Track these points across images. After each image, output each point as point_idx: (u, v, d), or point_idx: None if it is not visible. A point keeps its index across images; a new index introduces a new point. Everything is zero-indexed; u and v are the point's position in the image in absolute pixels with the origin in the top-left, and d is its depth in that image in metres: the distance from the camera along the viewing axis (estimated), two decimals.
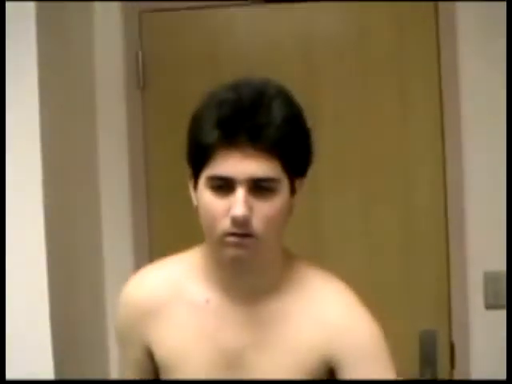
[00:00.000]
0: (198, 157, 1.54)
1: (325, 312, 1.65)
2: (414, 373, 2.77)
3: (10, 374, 1.87)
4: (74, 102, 2.59)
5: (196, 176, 1.56)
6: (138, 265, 1.83)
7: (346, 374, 1.63)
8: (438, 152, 2.82)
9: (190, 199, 1.63)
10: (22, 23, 2.08)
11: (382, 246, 2.83)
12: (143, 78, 2.90)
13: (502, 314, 2.72)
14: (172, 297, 1.69)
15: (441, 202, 2.82)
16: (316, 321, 1.64)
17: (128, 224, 2.87)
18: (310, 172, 1.63)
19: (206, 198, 1.53)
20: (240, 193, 1.49)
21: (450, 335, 2.84)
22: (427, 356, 2.82)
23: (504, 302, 2.72)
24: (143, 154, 2.91)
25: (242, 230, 1.50)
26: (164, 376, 1.74)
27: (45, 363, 1.98)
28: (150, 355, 1.73)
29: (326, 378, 1.69)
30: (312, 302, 1.66)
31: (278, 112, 1.51)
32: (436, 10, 2.83)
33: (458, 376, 2.83)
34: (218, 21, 2.92)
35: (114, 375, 2.37)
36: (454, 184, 2.78)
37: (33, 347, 1.98)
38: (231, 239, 1.52)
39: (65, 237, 2.33)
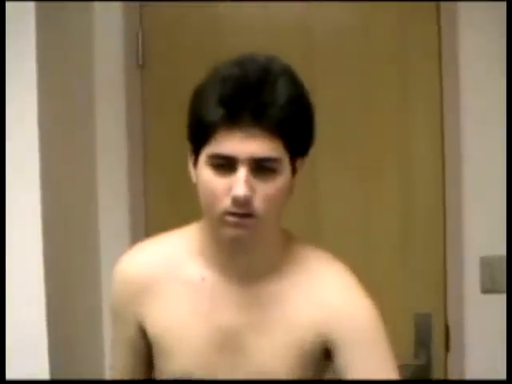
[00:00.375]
0: (200, 134, 1.52)
1: (324, 294, 1.64)
2: (408, 355, 2.79)
3: None
4: (72, 79, 2.58)
5: (196, 153, 1.54)
6: (135, 241, 1.81)
7: (343, 356, 1.62)
8: (436, 140, 2.82)
9: (188, 176, 1.61)
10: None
11: (379, 229, 2.83)
12: (142, 57, 2.89)
13: (498, 298, 2.73)
14: (167, 274, 1.67)
15: (439, 187, 2.82)
16: (314, 302, 1.63)
17: (125, 200, 2.84)
18: (310, 152, 1.62)
19: (206, 176, 1.52)
20: (242, 172, 1.47)
21: (445, 318, 2.84)
22: (422, 339, 2.83)
23: (500, 286, 2.73)
24: (142, 132, 2.88)
25: (243, 209, 1.48)
26: (157, 356, 1.73)
27: (39, 342, 1.97)
28: (144, 333, 1.72)
29: (321, 360, 1.69)
30: (311, 284, 1.65)
31: (282, 91, 1.49)
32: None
33: (452, 359, 2.84)
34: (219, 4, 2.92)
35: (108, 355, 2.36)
36: (452, 169, 2.78)
37: (27, 322, 1.97)
38: (231, 219, 1.50)
39: (60, 211, 2.31)
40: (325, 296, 1.63)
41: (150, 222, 2.88)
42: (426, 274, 2.84)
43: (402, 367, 1.70)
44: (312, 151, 1.59)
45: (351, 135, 2.86)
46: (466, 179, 2.74)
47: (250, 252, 1.61)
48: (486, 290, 2.76)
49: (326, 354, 1.66)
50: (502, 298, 2.72)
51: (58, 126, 2.30)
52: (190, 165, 1.60)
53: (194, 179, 1.59)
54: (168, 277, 1.67)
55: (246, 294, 1.63)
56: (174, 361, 1.67)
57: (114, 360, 1.86)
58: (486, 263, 2.75)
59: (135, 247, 1.76)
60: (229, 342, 1.64)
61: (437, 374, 2.85)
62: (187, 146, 1.58)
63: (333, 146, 2.76)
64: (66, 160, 2.44)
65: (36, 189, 2.02)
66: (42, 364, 1.96)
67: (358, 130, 2.86)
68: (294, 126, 1.51)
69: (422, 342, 2.84)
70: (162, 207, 2.89)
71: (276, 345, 1.63)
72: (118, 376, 1.86)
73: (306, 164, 1.62)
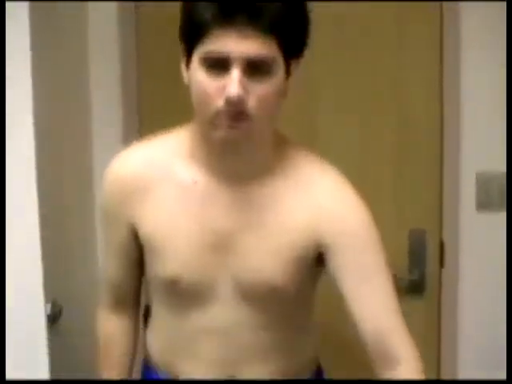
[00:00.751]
0: (193, 33, 1.48)
1: (317, 197, 1.63)
2: (402, 271, 2.79)
3: None
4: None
5: (189, 53, 1.52)
6: (127, 144, 1.79)
7: (335, 260, 1.63)
8: (435, 51, 2.76)
9: (181, 78, 1.59)
10: None
11: (376, 143, 2.79)
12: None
13: (493, 215, 2.72)
14: (158, 176, 1.67)
15: (436, 101, 2.77)
16: (307, 205, 1.63)
17: (117, 100, 2.78)
18: (307, 67, 1.61)
19: (199, 76, 1.49)
20: (235, 73, 1.45)
21: (440, 235, 2.84)
22: (416, 255, 2.84)
23: (495, 203, 2.72)
24: (135, 33, 2.83)
25: (236, 109, 1.46)
26: (148, 259, 1.73)
27: (33, 248, 1.96)
28: (135, 235, 1.72)
29: (313, 265, 1.69)
30: (304, 187, 1.64)
31: None
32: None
33: (446, 275, 2.84)
34: None
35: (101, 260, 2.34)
36: (450, 82, 2.73)
37: (20, 226, 1.95)
38: (224, 120, 1.48)
39: (53, 118, 2.27)
40: (318, 199, 1.63)
41: (143, 122, 2.85)
42: (421, 191, 2.83)
43: (396, 278, 1.71)
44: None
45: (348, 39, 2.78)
46: (465, 93, 2.69)
47: (243, 154, 1.60)
48: (482, 207, 2.74)
49: (318, 259, 1.66)
50: (498, 216, 2.72)
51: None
52: (183, 66, 1.58)
53: (185, 80, 1.57)
54: (160, 178, 1.66)
55: (238, 196, 1.63)
56: (164, 263, 1.67)
57: (106, 264, 1.86)
58: (482, 180, 2.72)
59: (127, 150, 1.75)
60: (220, 243, 1.64)
61: (430, 290, 2.85)
62: (180, 47, 1.55)
63: (330, 54, 2.72)
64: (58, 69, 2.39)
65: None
66: (36, 266, 1.94)
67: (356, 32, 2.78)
68: (289, 26, 1.49)
69: (417, 257, 2.84)
70: (154, 108, 2.84)
71: (268, 247, 1.63)
72: (110, 280, 1.86)
73: (300, 68, 1.60)
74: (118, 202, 1.71)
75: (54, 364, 1.96)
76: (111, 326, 1.91)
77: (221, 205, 1.64)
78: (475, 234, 2.75)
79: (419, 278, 2.84)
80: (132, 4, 2.81)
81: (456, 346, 2.78)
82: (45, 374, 1.96)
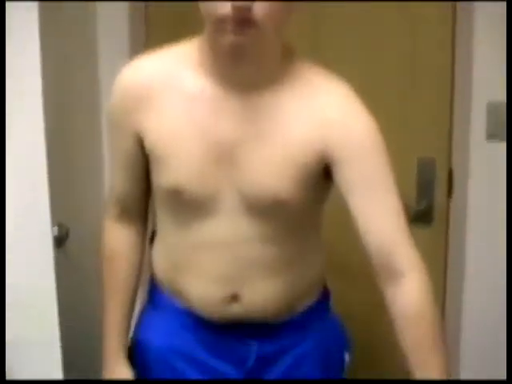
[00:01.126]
0: None
1: (323, 108, 1.62)
2: (410, 200, 2.78)
3: None
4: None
5: None
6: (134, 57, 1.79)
7: (342, 172, 1.61)
8: None
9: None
10: None
11: (385, 69, 2.76)
12: None
13: (503, 145, 2.69)
14: (165, 85, 1.66)
15: (448, 28, 2.72)
16: (314, 116, 1.62)
17: (124, 17, 2.77)
18: None
19: None
20: None
21: (448, 164, 2.82)
22: (425, 184, 2.83)
23: (506, 133, 2.69)
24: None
25: (243, 15, 1.44)
26: (153, 168, 1.73)
27: (39, 170, 1.94)
28: (141, 144, 1.72)
29: (320, 178, 1.68)
30: (310, 98, 1.63)
31: None
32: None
33: (454, 205, 2.83)
34: None
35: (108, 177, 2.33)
36: (463, 17, 2.68)
37: (27, 144, 1.93)
38: (230, 25, 1.46)
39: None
40: (324, 110, 1.62)
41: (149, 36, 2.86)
42: (431, 119, 2.80)
43: (406, 206, 1.69)
44: None
45: None
46: (478, 23, 2.64)
47: (250, 64, 1.59)
48: (492, 136, 2.71)
49: (326, 173, 1.65)
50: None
51: None
52: None
53: None
54: (166, 88, 1.66)
55: (245, 105, 1.62)
56: (168, 173, 1.68)
57: (113, 176, 1.87)
58: (493, 109, 2.69)
59: (135, 60, 1.75)
60: (224, 155, 1.64)
61: (438, 220, 2.85)
62: None
63: None
64: None
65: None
66: (42, 189, 1.93)
67: None
68: None
69: (425, 186, 2.83)
70: (161, 22, 2.84)
71: (273, 159, 1.62)
72: (116, 192, 1.88)
73: None
74: (124, 111, 1.71)
75: (60, 285, 1.96)
76: (117, 236, 1.90)
77: (227, 114, 1.62)
78: (485, 164, 2.72)
79: (427, 207, 2.83)
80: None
81: (463, 276, 2.78)
82: (52, 296, 1.97)
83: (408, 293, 1.60)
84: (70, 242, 2.28)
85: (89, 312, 2.32)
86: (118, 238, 1.89)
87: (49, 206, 1.94)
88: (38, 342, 1.96)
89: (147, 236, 1.95)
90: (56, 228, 2.12)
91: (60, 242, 2.21)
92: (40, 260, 1.96)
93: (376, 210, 1.60)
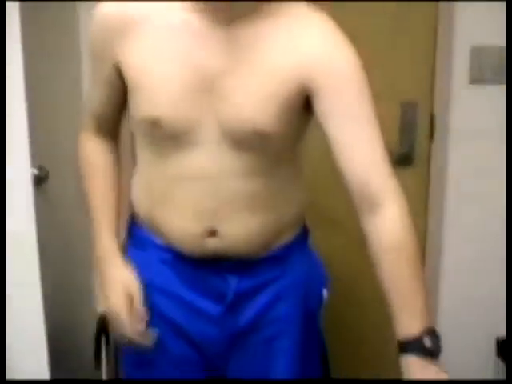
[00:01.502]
0: None
1: (305, 39, 1.63)
2: (392, 143, 2.78)
3: None
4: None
5: None
6: None
7: (323, 103, 1.62)
8: None
9: None
10: None
11: (371, 14, 2.73)
12: None
13: (486, 89, 2.70)
14: (148, 17, 1.65)
15: None
16: (295, 47, 1.62)
17: None
18: None
19: None
20: None
21: (431, 108, 2.82)
22: (407, 127, 2.83)
23: (489, 77, 2.69)
24: None
25: None
26: (133, 99, 1.72)
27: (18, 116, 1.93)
28: (120, 75, 1.71)
29: (301, 110, 1.68)
30: (292, 28, 1.63)
31: None
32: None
33: (435, 148, 2.84)
34: None
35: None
36: None
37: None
38: None
39: None
40: (306, 41, 1.62)
41: None
42: (414, 63, 2.80)
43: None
44: None
45: None
46: None
47: None
48: (475, 80, 2.71)
49: (307, 106, 1.64)
50: (490, 90, 2.70)
51: None
52: None
53: None
54: (149, 19, 1.65)
55: (227, 35, 1.62)
56: (148, 102, 1.67)
57: (90, 93, 1.87)
58: (476, 53, 2.68)
59: None
60: (205, 84, 1.63)
61: (419, 163, 2.86)
62: None
63: None
64: None
65: None
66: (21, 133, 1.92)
67: None
68: None
69: (407, 130, 2.84)
70: None
71: (255, 90, 1.62)
72: (92, 108, 1.87)
73: None
74: (103, 40, 1.69)
75: (41, 224, 1.96)
76: (93, 147, 1.88)
77: (208, 44, 1.61)
78: (467, 108, 2.73)
79: (409, 150, 2.84)
80: None
81: (442, 218, 2.81)
82: (31, 231, 1.96)
83: (387, 222, 1.59)
84: (49, 183, 2.28)
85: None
86: (94, 147, 1.88)
87: (28, 149, 1.93)
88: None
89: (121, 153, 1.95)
90: (35, 170, 2.11)
91: (39, 181, 2.20)
92: (20, 202, 1.95)
93: (354, 140, 1.59)
